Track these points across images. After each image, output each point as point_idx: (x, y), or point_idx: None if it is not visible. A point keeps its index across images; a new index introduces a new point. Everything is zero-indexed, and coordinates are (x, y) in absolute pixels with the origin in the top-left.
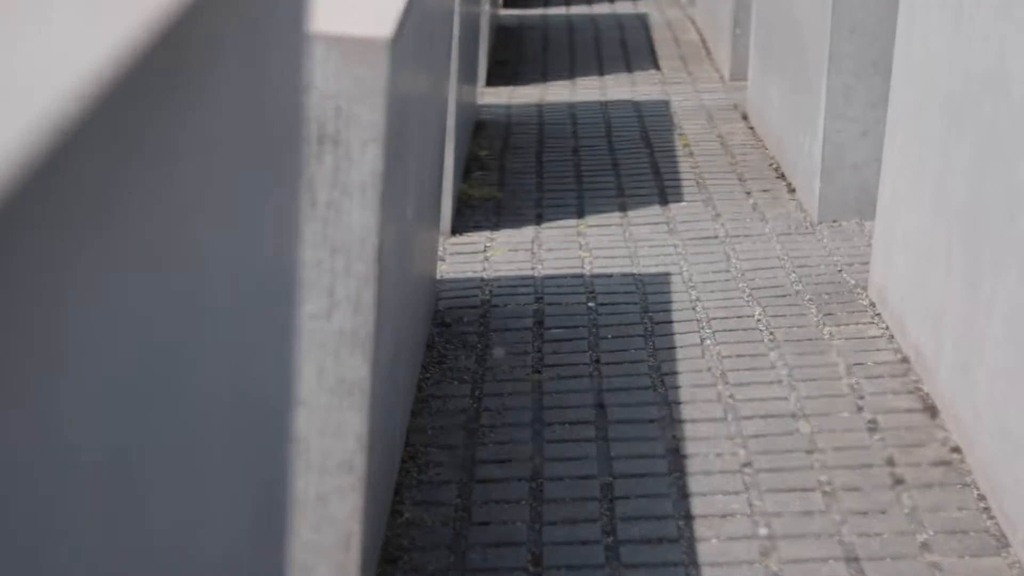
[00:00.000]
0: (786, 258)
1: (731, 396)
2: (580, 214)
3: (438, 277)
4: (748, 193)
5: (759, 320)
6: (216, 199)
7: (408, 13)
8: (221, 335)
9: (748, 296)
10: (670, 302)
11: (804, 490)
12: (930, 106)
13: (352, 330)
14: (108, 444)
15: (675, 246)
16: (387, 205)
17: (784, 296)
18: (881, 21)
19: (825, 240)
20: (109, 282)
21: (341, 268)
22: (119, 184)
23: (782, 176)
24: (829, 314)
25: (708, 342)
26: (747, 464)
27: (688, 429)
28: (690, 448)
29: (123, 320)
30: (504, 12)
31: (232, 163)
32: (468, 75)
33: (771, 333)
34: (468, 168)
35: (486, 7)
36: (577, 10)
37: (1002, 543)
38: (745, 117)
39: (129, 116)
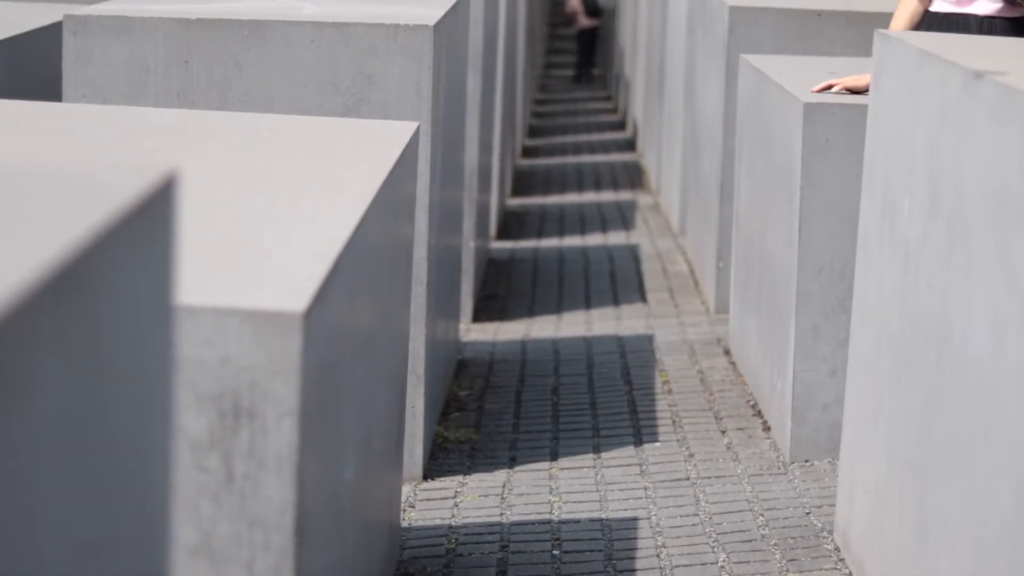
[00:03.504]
0: (755, 500)
1: None
2: (554, 456)
3: (406, 524)
4: (723, 432)
5: (722, 567)
6: (63, 479)
7: (336, 271)
8: None
9: (714, 542)
10: (635, 549)
11: None
12: (884, 350)
13: None
14: None
15: (645, 489)
16: (309, 475)
17: (750, 541)
18: (847, 261)
19: (796, 481)
20: None
21: (260, 541)
22: None
23: (759, 414)
24: (793, 559)
25: None
26: None
27: None
28: None
29: None
30: (496, 245)
31: (79, 442)
32: (447, 312)
33: None
34: (446, 409)
35: (470, 242)
36: (570, 241)
37: None
38: (727, 352)
39: None
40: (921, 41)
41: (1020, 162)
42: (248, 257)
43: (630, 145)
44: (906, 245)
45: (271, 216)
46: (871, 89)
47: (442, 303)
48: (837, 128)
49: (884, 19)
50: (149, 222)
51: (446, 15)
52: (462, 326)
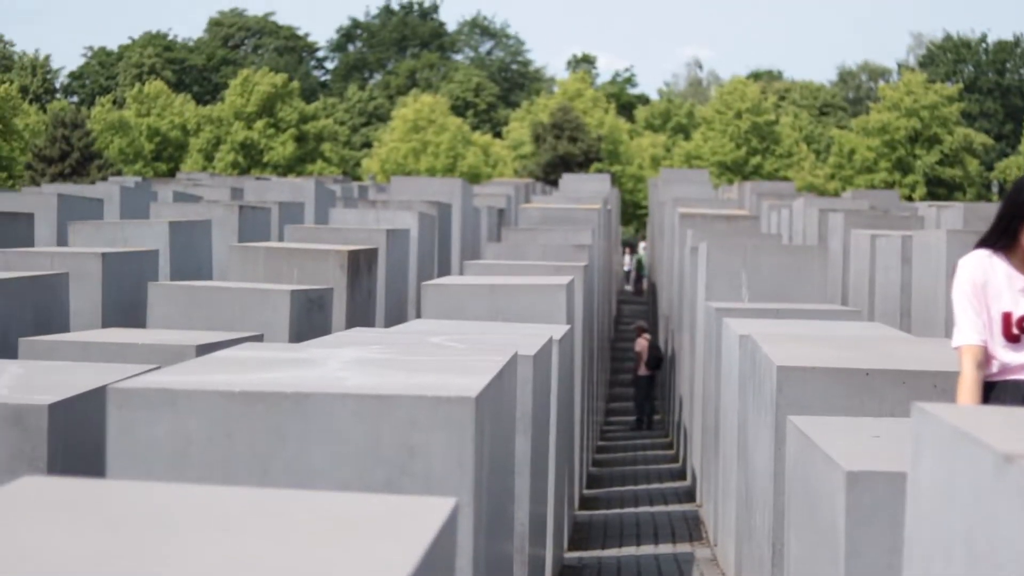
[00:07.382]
0: None
1: None
2: None
3: None
4: None
5: None
6: None
7: None
8: None
9: None
10: None
11: None
12: None
13: None
14: None
15: None
16: None
17: None
18: None
19: None
20: None
21: None
22: None
23: None
24: None
25: None
26: None
27: None
28: None
29: None
30: (570, 554)
31: None
32: None
33: None
34: None
35: (544, 551)
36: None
37: None
38: None
39: None
40: (958, 418)
41: None
42: None
43: (690, 495)
44: None
45: None
46: (911, 464)
47: None
48: (882, 496)
49: (932, 377)
50: None
51: (490, 383)
52: None
